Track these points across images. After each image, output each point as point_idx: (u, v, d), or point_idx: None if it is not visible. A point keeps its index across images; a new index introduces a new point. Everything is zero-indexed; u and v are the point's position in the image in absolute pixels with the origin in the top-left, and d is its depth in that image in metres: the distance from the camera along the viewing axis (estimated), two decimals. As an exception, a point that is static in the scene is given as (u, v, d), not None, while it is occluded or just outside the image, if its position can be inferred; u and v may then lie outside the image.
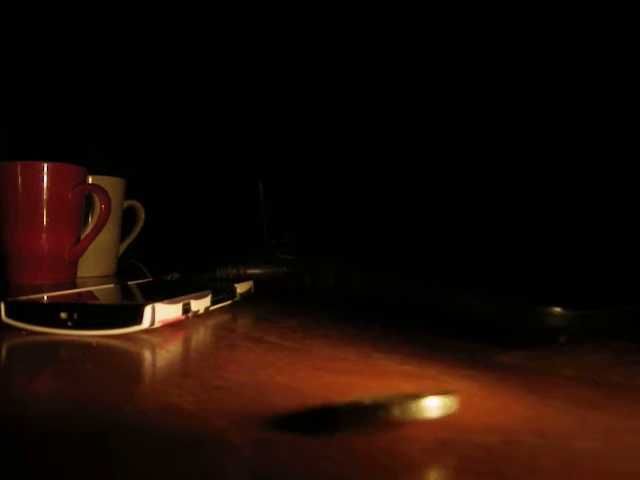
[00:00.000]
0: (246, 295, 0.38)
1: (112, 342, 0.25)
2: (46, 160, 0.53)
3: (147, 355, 0.24)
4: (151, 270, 0.59)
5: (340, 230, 0.62)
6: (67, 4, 0.83)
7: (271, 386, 0.19)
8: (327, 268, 0.39)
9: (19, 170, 0.52)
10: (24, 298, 0.29)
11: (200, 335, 0.29)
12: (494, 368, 0.21)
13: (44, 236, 0.53)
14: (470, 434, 0.14)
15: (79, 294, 0.33)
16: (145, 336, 0.26)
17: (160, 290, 0.37)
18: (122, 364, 0.23)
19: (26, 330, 0.27)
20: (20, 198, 0.52)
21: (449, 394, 0.14)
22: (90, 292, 0.34)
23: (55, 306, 0.27)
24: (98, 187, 0.56)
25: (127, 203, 0.67)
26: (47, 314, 0.26)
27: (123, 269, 0.67)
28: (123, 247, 0.69)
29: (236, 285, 0.37)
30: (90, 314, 0.26)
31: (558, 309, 0.24)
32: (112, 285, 0.37)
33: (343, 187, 0.64)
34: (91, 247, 0.57)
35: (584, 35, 0.49)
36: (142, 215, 0.69)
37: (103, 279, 0.60)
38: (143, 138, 0.82)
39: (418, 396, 0.14)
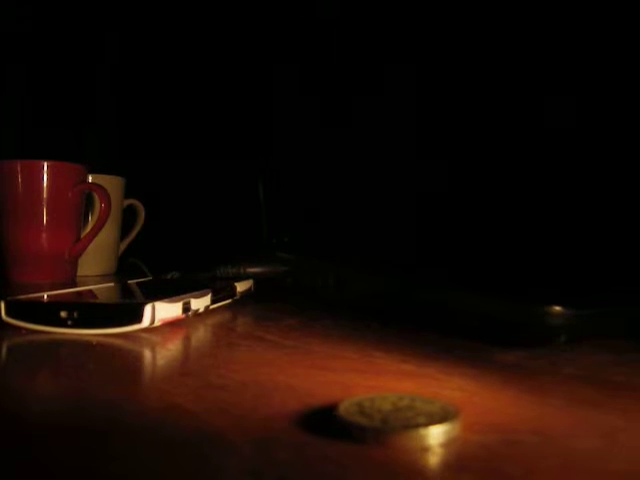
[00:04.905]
0: (246, 294, 0.38)
1: (112, 341, 0.25)
2: (46, 159, 0.53)
3: (147, 354, 0.24)
4: (151, 269, 0.59)
5: (340, 229, 0.62)
6: (68, 4, 0.83)
7: (271, 385, 0.19)
8: (327, 267, 0.39)
9: (19, 169, 0.52)
10: (24, 297, 0.29)
11: (200, 334, 0.29)
12: (494, 367, 0.21)
13: (44, 235, 0.53)
14: (470, 433, 0.14)
15: (79, 293, 0.33)
16: (145, 335, 0.26)
17: (160, 289, 0.37)
18: (122, 363, 0.23)
19: (26, 329, 0.27)
20: (20, 197, 0.52)
21: (450, 416, 0.14)
22: (90, 291, 0.34)
23: (55, 305, 0.27)
24: (98, 186, 0.56)
25: (127, 202, 0.67)
26: (47, 313, 0.26)
27: (123, 268, 0.67)
28: (123, 246, 0.69)
29: (236, 284, 0.37)
30: (90, 313, 0.26)
31: (558, 308, 0.24)
32: (112, 284, 0.37)
33: (343, 186, 0.64)
34: (91, 246, 0.57)
35: (579, 35, 0.49)
36: (142, 214, 0.69)
37: (103, 278, 0.60)
38: (143, 138, 0.82)
39: (420, 425, 0.14)
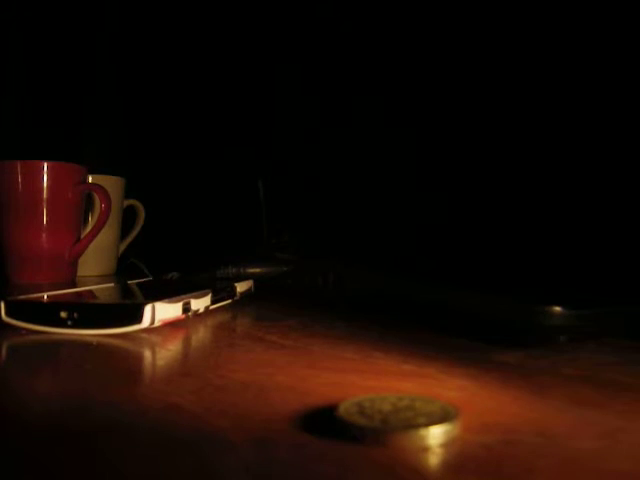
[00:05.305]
0: (246, 294, 0.38)
1: (112, 341, 0.25)
2: (46, 159, 0.53)
3: (147, 354, 0.24)
4: (151, 269, 0.59)
5: (340, 229, 0.62)
6: (67, 4, 0.83)
7: (271, 385, 0.19)
8: (327, 267, 0.39)
9: (19, 169, 0.52)
10: (24, 297, 0.29)
11: (200, 334, 0.29)
12: (494, 367, 0.21)
13: (44, 235, 0.53)
14: (470, 433, 0.14)
15: (79, 293, 0.33)
16: (145, 335, 0.26)
17: (160, 289, 0.37)
18: (122, 363, 0.23)
19: (26, 329, 0.27)
20: (20, 197, 0.52)
21: (450, 416, 0.14)
22: (90, 291, 0.34)
23: (55, 305, 0.27)
24: (98, 186, 0.56)
25: (127, 202, 0.67)
26: (47, 313, 0.26)
27: (123, 268, 0.67)
28: (123, 246, 0.69)
29: (236, 284, 0.37)
30: (90, 313, 0.26)
31: (558, 308, 0.24)
32: (112, 284, 0.37)
33: (343, 186, 0.64)
34: (91, 246, 0.57)
35: (585, 36, 0.49)
36: (142, 214, 0.69)
37: (103, 278, 0.60)
38: (143, 138, 0.82)
39: (420, 425, 0.14)
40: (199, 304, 0.31)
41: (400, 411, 0.15)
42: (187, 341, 0.27)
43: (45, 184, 0.52)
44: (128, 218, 0.68)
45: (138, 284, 0.38)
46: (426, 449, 0.13)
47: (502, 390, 0.19)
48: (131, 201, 0.68)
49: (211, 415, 0.16)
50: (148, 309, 0.26)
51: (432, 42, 0.59)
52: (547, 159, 0.52)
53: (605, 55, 0.48)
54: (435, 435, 0.14)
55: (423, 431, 0.14)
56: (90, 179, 0.59)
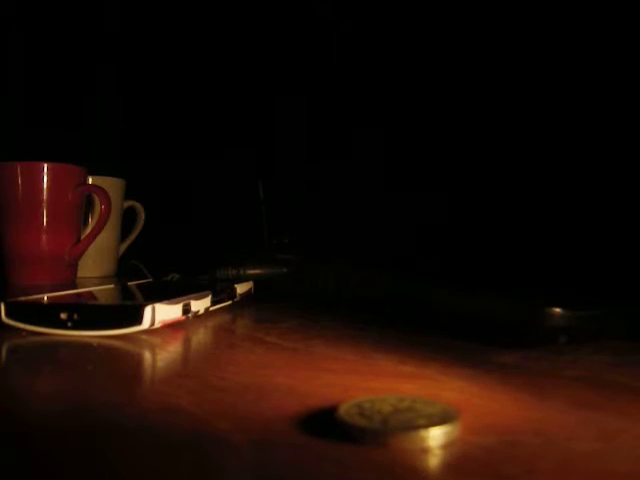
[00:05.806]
0: (246, 295, 0.38)
1: (112, 342, 0.25)
2: (46, 160, 0.53)
3: (147, 355, 0.24)
4: (151, 270, 0.59)
5: (340, 230, 0.62)
6: (67, 4, 0.83)
7: (271, 386, 0.19)
8: (327, 269, 0.39)
9: (19, 170, 0.52)
10: (24, 299, 0.29)
11: (200, 335, 0.29)
12: (494, 368, 0.21)
13: (44, 236, 0.53)
14: (470, 434, 0.14)
15: (79, 294, 0.33)
16: (145, 336, 0.26)
17: (160, 290, 0.37)
18: (122, 365, 0.23)
19: (26, 331, 0.27)
20: (20, 198, 0.52)
21: (450, 417, 0.14)
22: (90, 292, 0.34)
23: (55, 306, 0.27)
24: (98, 188, 0.56)
25: (127, 204, 0.67)
26: (47, 314, 0.26)
27: (123, 270, 0.67)
28: (123, 247, 0.69)
29: (236, 285, 0.37)
30: (90, 314, 0.26)
31: (558, 309, 0.24)
32: (112, 285, 0.37)
33: (343, 187, 0.64)
34: (91, 247, 0.57)
35: (585, 36, 0.50)
36: (142, 215, 0.69)
37: (103, 279, 0.60)
38: (143, 138, 0.82)
39: (420, 426, 0.14)
40: (199, 305, 0.31)
41: (400, 412, 0.15)
42: (187, 342, 0.27)
43: (45, 185, 0.52)
44: (128, 219, 0.68)
45: (138, 285, 0.38)
46: (426, 450, 0.13)
47: (502, 391, 0.19)
48: (131, 202, 0.68)
49: (211, 416, 0.16)
50: (148, 310, 0.26)
51: (422, 49, 0.59)
52: (547, 160, 0.52)
53: (604, 55, 0.49)
54: (435, 436, 0.14)
55: (423, 432, 0.14)
56: (90, 180, 0.59)
